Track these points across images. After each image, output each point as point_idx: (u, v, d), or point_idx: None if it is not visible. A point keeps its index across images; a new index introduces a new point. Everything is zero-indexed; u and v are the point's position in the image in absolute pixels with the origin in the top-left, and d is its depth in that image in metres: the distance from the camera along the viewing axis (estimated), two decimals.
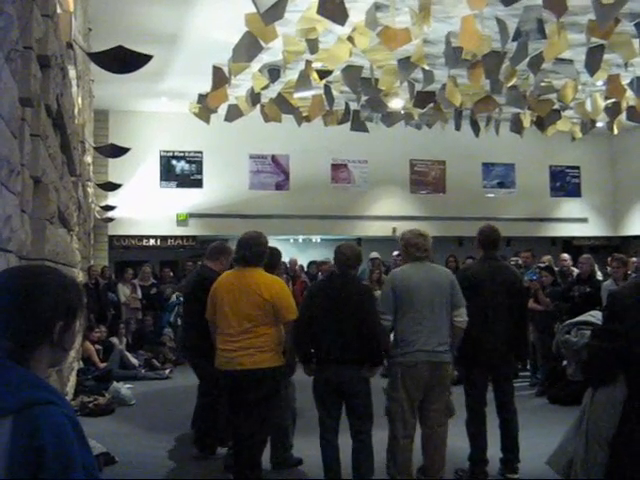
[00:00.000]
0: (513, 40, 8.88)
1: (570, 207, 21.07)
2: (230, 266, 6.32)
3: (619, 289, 3.95)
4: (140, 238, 17.94)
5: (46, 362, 1.82)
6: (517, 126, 13.57)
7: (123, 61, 5.47)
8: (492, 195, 20.43)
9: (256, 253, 5.42)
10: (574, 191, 21.25)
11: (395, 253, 14.06)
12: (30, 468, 1.57)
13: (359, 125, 13.06)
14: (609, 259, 11.11)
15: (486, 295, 5.94)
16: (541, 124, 13.27)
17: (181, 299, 12.89)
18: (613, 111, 12.45)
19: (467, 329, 5.58)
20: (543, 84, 11.89)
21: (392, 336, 5.57)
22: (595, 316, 4.69)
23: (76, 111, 7.64)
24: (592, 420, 3.17)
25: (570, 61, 10.76)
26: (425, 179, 19.93)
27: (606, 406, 3.09)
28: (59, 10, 5.12)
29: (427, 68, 10.47)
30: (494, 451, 6.09)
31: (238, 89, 12.26)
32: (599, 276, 11.15)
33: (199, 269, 7.21)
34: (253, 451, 5.38)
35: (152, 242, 18.11)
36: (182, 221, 17.80)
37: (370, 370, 5.53)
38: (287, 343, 5.42)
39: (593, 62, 9.43)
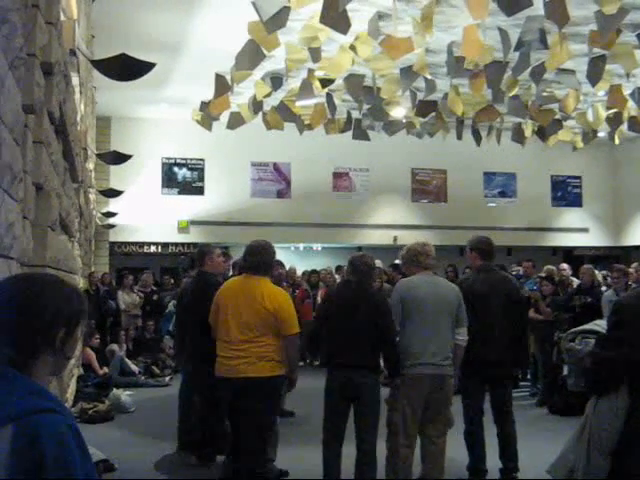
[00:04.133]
0: (515, 50, 8.90)
1: (571, 217, 21.08)
2: (237, 271, 6.32)
3: (624, 297, 3.95)
4: (141, 245, 17.96)
5: (48, 370, 1.81)
6: (519, 136, 13.58)
7: (126, 68, 5.48)
8: (493, 204, 20.46)
9: (262, 262, 5.41)
10: (575, 201, 21.27)
11: (395, 262, 14.08)
12: (31, 476, 1.57)
13: (361, 133, 13.07)
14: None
15: (485, 306, 5.92)
16: (543, 134, 13.28)
17: None
18: (614, 121, 12.46)
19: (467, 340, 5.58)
20: (545, 94, 11.91)
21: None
22: (600, 325, 4.69)
23: (78, 118, 7.65)
24: (594, 428, 3.16)
25: (572, 71, 10.77)
26: (426, 188, 19.96)
27: (608, 414, 3.09)
28: (63, 17, 5.13)
29: (429, 77, 10.48)
30: (493, 461, 6.08)
31: (240, 97, 12.27)
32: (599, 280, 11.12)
33: (197, 276, 7.20)
34: (252, 458, 5.37)
35: (153, 249, 18.13)
36: (183, 228, 17.82)
37: (386, 378, 5.55)
38: (287, 358, 5.39)
39: (595, 72, 9.44)
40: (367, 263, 5.68)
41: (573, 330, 5.23)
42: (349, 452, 5.58)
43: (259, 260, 5.40)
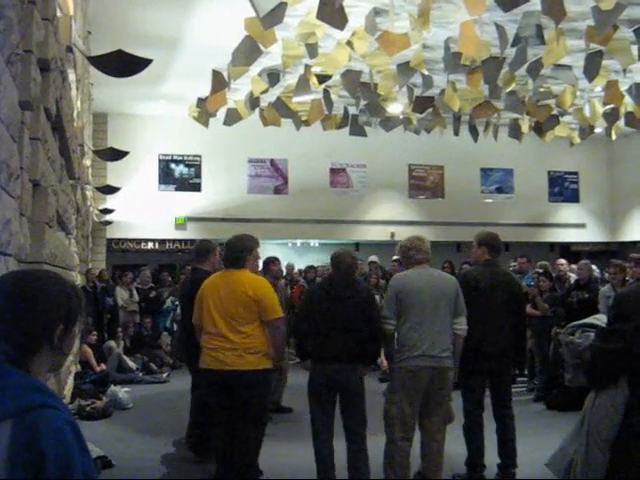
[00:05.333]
0: (512, 46, 8.90)
1: (568, 212, 21.10)
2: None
3: (625, 290, 3.95)
4: (138, 241, 17.96)
5: (46, 366, 1.82)
6: (516, 131, 13.59)
7: (122, 65, 5.47)
8: (490, 200, 20.46)
9: (236, 257, 5.44)
10: (572, 196, 21.29)
11: (395, 257, 14.09)
12: (30, 472, 1.57)
13: (358, 130, 13.07)
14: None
15: (486, 300, 5.93)
16: (540, 129, 13.28)
17: (176, 304, 13.00)
18: (611, 117, 12.47)
19: (467, 334, 5.58)
20: (542, 90, 11.90)
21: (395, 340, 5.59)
22: (600, 319, 4.69)
23: (75, 114, 7.64)
24: (593, 422, 3.16)
25: (569, 67, 10.78)
26: (423, 184, 19.97)
27: (608, 408, 3.09)
28: (59, 14, 5.12)
29: (426, 73, 10.48)
30: (491, 456, 6.09)
31: (237, 93, 12.27)
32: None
33: (192, 272, 7.22)
34: (250, 453, 5.38)
35: (150, 245, 18.13)
36: (180, 225, 17.82)
37: (363, 370, 5.61)
38: (272, 344, 5.39)
39: (592, 68, 9.45)
40: (346, 261, 5.71)
41: (573, 324, 5.22)
42: (342, 449, 5.61)
43: (235, 254, 5.44)
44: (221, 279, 5.49)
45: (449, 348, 5.43)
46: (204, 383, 5.61)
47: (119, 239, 17.68)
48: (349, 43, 9.30)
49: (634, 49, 9.73)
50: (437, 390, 5.41)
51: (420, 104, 11.77)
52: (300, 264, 16.96)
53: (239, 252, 5.45)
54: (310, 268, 15.36)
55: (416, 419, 5.48)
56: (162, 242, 18.13)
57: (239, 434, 5.32)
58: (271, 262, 9.00)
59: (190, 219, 17.85)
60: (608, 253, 20.22)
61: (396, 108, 13.79)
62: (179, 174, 18.10)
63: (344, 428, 5.61)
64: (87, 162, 11.95)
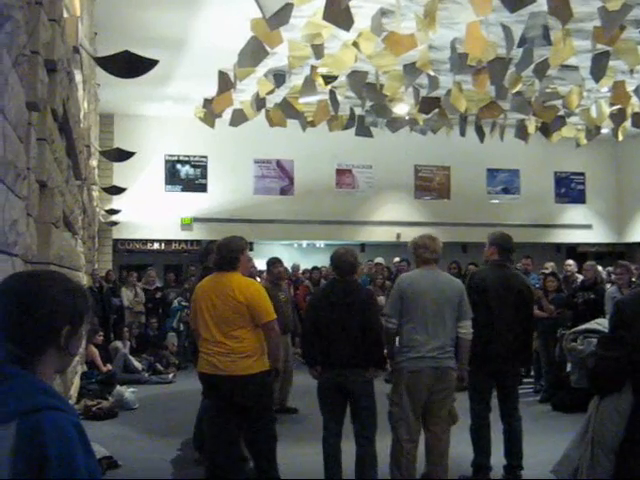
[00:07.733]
0: (518, 46, 8.88)
1: (575, 213, 21.05)
2: None
3: (625, 297, 3.93)
4: (144, 242, 17.98)
5: (52, 367, 1.82)
6: (522, 132, 13.57)
7: (129, 65, 5.49)
8: (496, 201, 20.42)
9: (228, 258, 5.41)
10: (579, 197, 21.23)
11: (397, 259, 14.07)
12: (34, 473, 1.57)
13: (364, 130, 13.06)
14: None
15: (494, 301, 5.93)
16: (546, 130, 13.27)
17: (183, 304, 13.02)
18: (618, 118, 12.44)
19: (473, 334, 5.57)
20: (548, 90, 11.88)
21: (397, 340, 5.59)
22: (601, 324, 4.68)
23: (82, 115, 7.66)
24: (598, 428, 3.16)
25: (575, 67, 10.77)
26: (429, 185, 19.95)
27: (612, 414, 3.08)
28: (66, 15, 5.14)
29: (432, 74, 10.47)
30: (498, 458, 6.08)
31: (243, 94, 12.28)
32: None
33: (202, 272, 7.21)
34: (269, 454, 5.41)
35: (156, 246, 18.15)
36: (186, 225, 17.83)
37: (374, 372, 5.60)
38: (269, 347, 5.37)
39: (598, 69, 9.43)
40: (348, 260, 5.71)
41: (574, 330, 5.22)
42: (352, 449, 5.61)
43: (226, 257, 5.42)
44: (212, 284, 5.44)
45: (451, 350, 5.43)
46: (202, 386, 5.61)
47: (125, 240, 17.71)
48: (355, 44, 9.30)
49: None
50: (440, 391, 5.41)
51: (426, 105, 11.76)
52: (306, 265, 16.94)
53: (230, 255, 5.41)
54: (315, 269, 15.34)
55: (420, 420, 5.48)
56: (168, 243, 18.15)
57: (251, 438, 5.36)
58: (272, 264, 8.99)
59: (196, 220, 17.86)
60: (614, 254, 20.17)
61: (402, 109, 13.77)
62: (185, 175, 18.12)
63: (354, 432, 5.62)
64: (93, 163, 11.98)
